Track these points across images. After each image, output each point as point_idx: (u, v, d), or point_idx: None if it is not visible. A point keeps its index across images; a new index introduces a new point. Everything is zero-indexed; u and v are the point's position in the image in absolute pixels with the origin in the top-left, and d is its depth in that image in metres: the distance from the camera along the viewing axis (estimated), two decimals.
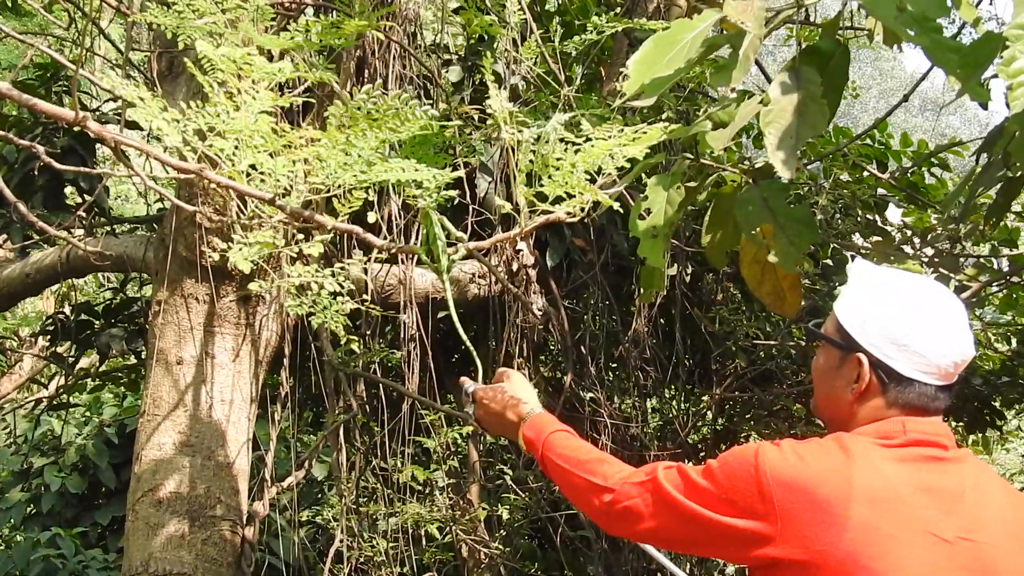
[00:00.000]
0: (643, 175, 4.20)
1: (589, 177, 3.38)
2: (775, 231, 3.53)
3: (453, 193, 3.85)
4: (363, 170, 3.66)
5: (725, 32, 3.26)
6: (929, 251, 6.43)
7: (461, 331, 4.09)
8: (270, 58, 4.01)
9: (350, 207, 3.76)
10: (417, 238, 3.83)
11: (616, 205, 3.61)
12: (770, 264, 3.60)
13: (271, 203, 3.65)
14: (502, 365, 6.92)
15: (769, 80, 3.84)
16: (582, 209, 3.54)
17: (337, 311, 4.22)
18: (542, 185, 3.62)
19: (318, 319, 4.26)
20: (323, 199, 3.80)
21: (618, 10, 7.07)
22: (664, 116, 5.77)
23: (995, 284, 6.71)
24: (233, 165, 3.64)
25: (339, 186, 3.69)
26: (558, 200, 3.64)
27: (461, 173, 3.98)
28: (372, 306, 4.63)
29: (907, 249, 6.43)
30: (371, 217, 3.85)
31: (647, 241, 3.93)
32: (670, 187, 3.92)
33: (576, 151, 3.55)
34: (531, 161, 3.66)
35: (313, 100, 5.75)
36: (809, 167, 6.36)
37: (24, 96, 3.77)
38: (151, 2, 5.34)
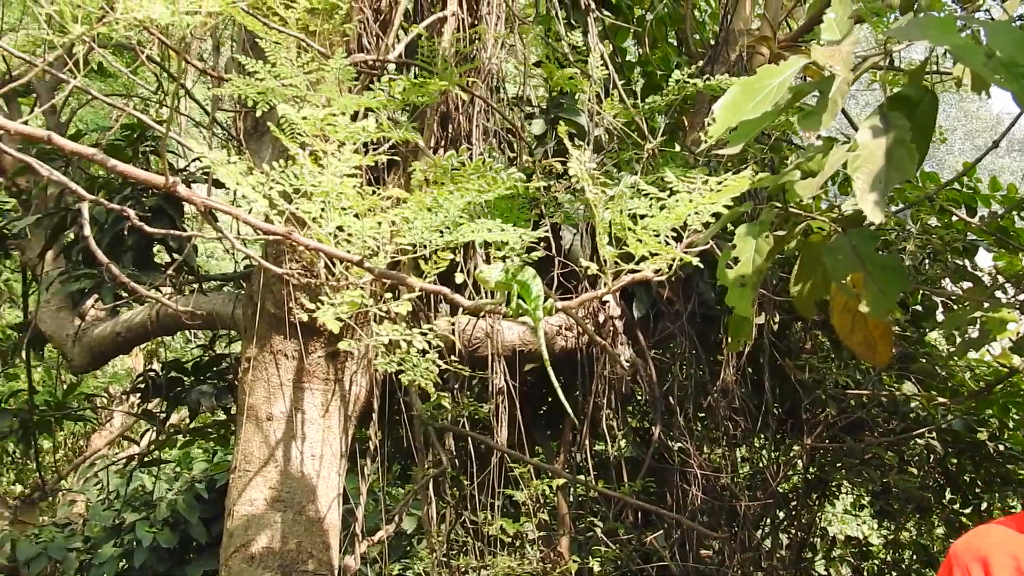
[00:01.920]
0: (730, 224, 4.17)
1: (675, 234, 3.35)
2: (865, 279, 3.49)
3: (539, 253, 3.85)
4: (450, 232, 3.66)
5: (810, 79, 3.23)
6: (1022, 296, 6.35)
7: (555, 382, 4.07)
8: (353, 117, 4.01)
9: (437, 268, 3.76)
10: (510, 296, 3.81)
11: (697, 260, 3.59)
12: (860, 313, 3.56)
13: (359, 265, 3.66)
14: (590, 416, 6.90)
15: (854, 127, 3.82)
16: (669, 266, 3.52)
17: (426, 368, 4.21)
18: (626, 244, 3.60)
19: (407, 376, 4.26)
20: (410, 259, 3.80)
21: (700, 63, 7.05)
22: (749, 164, 5.75)
23: None
24: (320, 227, 3.65)
25: (426, 247, 3.69)
26: (644, 258, 3.62)
27: (546, 230, 3.97)
28: (459, 366, 4.62)
29: (999, 295, 6.35)
30: (458, 278, 3.84)
31: (735, 290, 3.90)
32: (758, 236, 3.89)
33: (661, 207, 3.52)
34: (613, 221, 3.65)
35: (398, 158, 5.76)
36: (897, 213, 6.30)
37: (115, 162, 3.81)
38: (235, 68, 5.38)
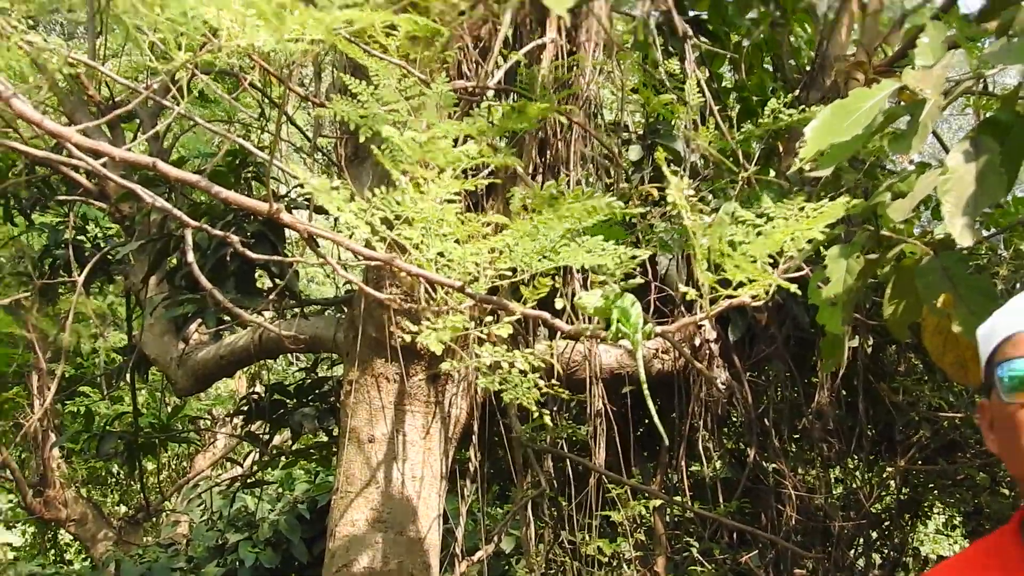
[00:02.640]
0: (822, 247, 4.20)
1: (772, 260, 3.39)
2: (956, 301, 3.50)
3: (638, 280, 3.90)
4: (549, 258, 3.71)
5: (903, 103, 3.27)
6: None
7: (651, 405, 4.11)
8: (454, 143, 4.07)
9: (537, 293, 3.81)
10: (608, 321, 3.85)
11: (794, 288, 3.63)
12: (952, 334, 3.56)
13: (460, 290, 3.71)
14: (687, 437, 6.92)
15: (947, 151, 3.84)
16: (766, 292, 3.56)
17: (528, 387, 4.26)
18: (723, 270, 3.64)
19: (509, 395, 4.31)
20: (510, 284, 3.85)
21: (796, 90, 7.06)
22: (842, 188, 5.76)
23: None
24: (421, 252, 3.71)
25: (525, 272, 3.74)
26: (741, 283, 3.66)
27: (644, 255, 4.01)
28: (559, 388, 4.66)
29: None
30: (558, 303, 3.90)
31: (826, 309, 3.93)
32: (849, 256, 3.91)
33: (757, 233, 3.56)
34: (711, 248, 3.68)
35: (497, 181, 5.81)
36: (990, 238, 6.29)
37: (218, 189, 3.89)
38: (337, 92, 5.46)
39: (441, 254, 3.72)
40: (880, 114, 3.13)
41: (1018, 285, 6.29)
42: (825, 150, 3.13)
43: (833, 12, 7.63)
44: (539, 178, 6.23)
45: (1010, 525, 2.18)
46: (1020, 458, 2.02)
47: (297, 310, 8.43)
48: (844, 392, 8.21)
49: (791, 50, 7.93)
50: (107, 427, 13.46)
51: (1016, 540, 2.12)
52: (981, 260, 6.07)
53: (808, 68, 7.64)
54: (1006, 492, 7.59)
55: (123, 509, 14.86)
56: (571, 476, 6.89)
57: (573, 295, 6.28)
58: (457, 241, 3.75)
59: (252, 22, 3.66)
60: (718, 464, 6.96)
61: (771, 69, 7.84)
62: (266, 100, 8.85)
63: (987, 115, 3.15)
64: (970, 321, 3.49)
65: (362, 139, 4.49)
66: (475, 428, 6.67)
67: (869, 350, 8.04)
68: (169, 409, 13.98)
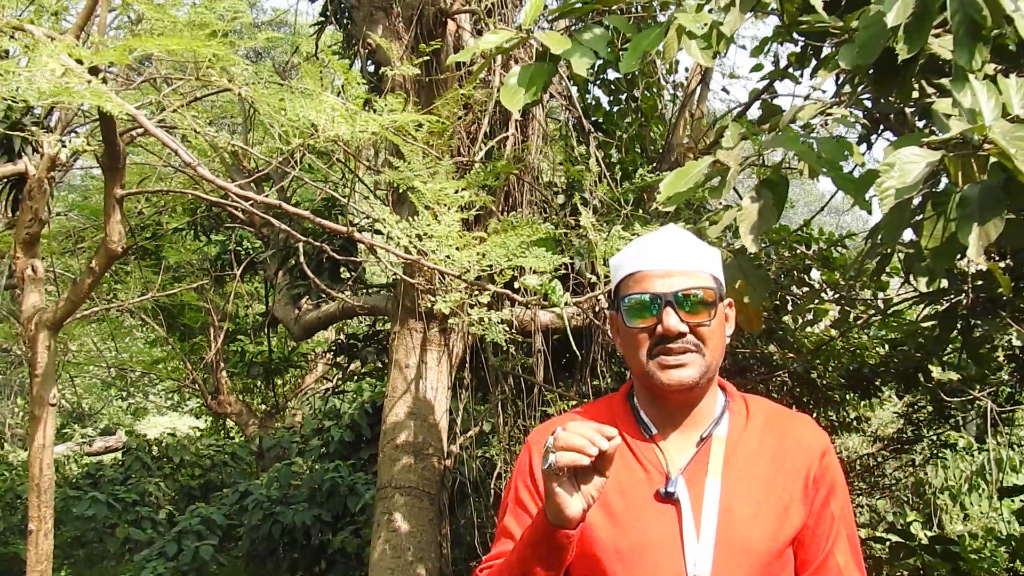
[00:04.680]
0: None
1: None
2: (747, 284, 3.49)
3: (562, 272, 3.88)
4: (511, 259, 3.70)
5: (717, 169, 3.25)
6: (837, 296, 6.36)
7: (571, 340, 4.11)
8: (455, 191, 4.07)
9: (503, 280, 3.80)
10: (543, 296, 3.85)
11: None
12: (743, 303, 3.55)
13: (459, 278, 3.70)
14: (590, 366, 6.90)
15: (741, 197, 3.84)
16: None
17: (499, 333, 4.24)
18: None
19: (489, 336, 4.29)
20: (488, 274, 3.84)
21: (654, 164, 7.07)
22: (681, 219, 5.77)
23: (875, 315, 6.62)
24: (436, 255, 3.70)
25: (497, 267, 3.74)
26: None
27: (566, 259, 4.00)
28: (516, 335, 4.66)
29: (824, 295, 6.36)
30: (516, 285, 3.88)
31: None
32: None
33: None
34: (606, 251, 3.68)
35: (481, 213, 5.80)
36: (766, 248, 6.30)
37: (318, 219, 3.87)
38: (387, 165, 5.43)
39: (448, 256, 3.71)
40: (703, 176, 3.11)
41: (783, 276, 6.30)
42: (671, 196, 3.11)
43: (674, 118, 7.64)
44: (505, 213, 6.21)
45: (620, 392, 2.15)
46: (637, 363, 1.99)
47: (364, 291, 8.41)
48: None
49: (651, 140, 7.93)
50: (253, 359, 13.46)
51: (623, 401, 2.10)
52: (760, 261, 6.09)
53: (661, 151, 7.64)
54: (775, 396, 7.62)
55: (263, 407, 14.82)
56: (523, 388, 6.87)
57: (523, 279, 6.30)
58: (457, 249, 3.74)
59: (337, 120, 3.64)
60: (609, 380, 6.92)
61: (640, 151, 7.83)
62: (346, 168, 8.84)
63: (764, 177, 3.13)
64: (754, 295, 3.49)
65: (401, 190, 4.47)
66: (467, 359, 6.66)
67: None
68: (290, 349, 13.99)
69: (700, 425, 2.03)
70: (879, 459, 9.70)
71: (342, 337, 10.81)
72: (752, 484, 1.96)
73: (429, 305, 4.19)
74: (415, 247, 3.77)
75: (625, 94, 8.03)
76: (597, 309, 6.62)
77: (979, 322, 5.13)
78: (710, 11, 3.20)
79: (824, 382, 7.30)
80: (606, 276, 3.84)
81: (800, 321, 6.90)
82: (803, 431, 2.05)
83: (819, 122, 3.47)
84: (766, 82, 6.15)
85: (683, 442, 2.01)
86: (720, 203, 5.78)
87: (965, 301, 4.80)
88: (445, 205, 3.94)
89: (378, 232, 6.50)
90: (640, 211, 6.24)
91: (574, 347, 4.53)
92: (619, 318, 2.03)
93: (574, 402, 6.76)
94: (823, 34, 3.28)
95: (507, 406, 6.99)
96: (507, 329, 4.36)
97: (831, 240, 6.73)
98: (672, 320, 1.94)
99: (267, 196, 4.04)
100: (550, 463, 1.78)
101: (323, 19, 8.66)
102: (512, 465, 7.15)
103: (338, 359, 10.41)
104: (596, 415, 2.05)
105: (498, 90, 5.56)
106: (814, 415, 7.47)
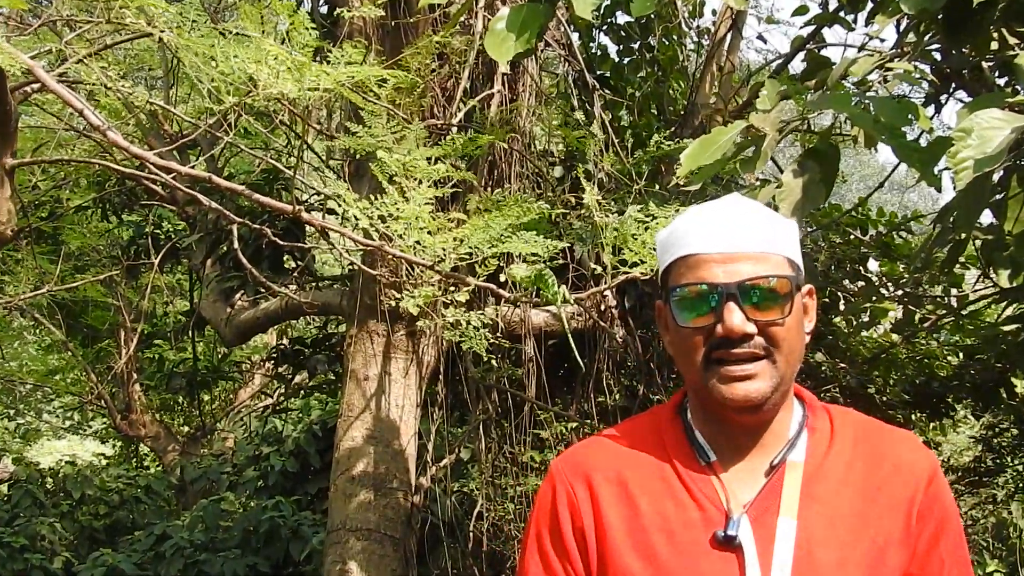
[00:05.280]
0: None
1: (655, 247, 3.42)
2: None
3: (559, 261, 3.92)
4: (496, 245, 3.72)
5: (750, 137, 3.27)
6: (899, 292, 6.39)
7: (572, 345, 4.13)
8: (428, 163, 4.09)
9: (487, 271, 3.82)
10: (535, 291, 3.87)
11: None
12: None
13: (431, 268, 3.73)
14: (594, 377, 6.93)
15: (782, 171, 3.85)
16: (651, 270, 3.58)
17: (480, 339, 4.26)
18: (623, 253, 3.66)
19: (466, 344, 4.30)
20: (467, 264, 3.87)
21: (673, 128, 7.10)
22: (707, 197, 5.79)
23: (947, 316, 6.65)
24: (403, 241, 3.72)
25: (478, 256, 3.76)
26: (635, 264, 3.69)
27: (564, 245, 4.03)
28: (501, 340, 4.66)
29: (883, 291, 6.40)
30: (502, 277, 3.90)
31: None
32: None
33: (646, 228, 3.59)
34: (615, 236, 3.71)
35: (459, 189, 5.81)
36: (812, 233, 6.33)
37: (257, 196, 3.89)
38: (343, 130, 5.45)
39: (418, 242, 3.74)
40: (733, 145, 3.13)
41: (833, 268, 6.34)
42: (695, 171, 3.13)
43: (699, 72, 7.67)
44: (489, 189, 6.23)
45: (669, 405, 2.07)
46: (690, 371, 1.91)
47: (313, 284, 8.42)
48: None
49: (669, 99, 7.95)
50: (174, 369, 13.43)
51: (672, 417, 2.01)
52: (807, 249, 6.12)
53: (682, 113, 7.67)
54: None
55: (186, 429, 14.80)
56: (511, 405, 6.90)
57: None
58: (429, 232, 3.77)
59: (282, 74, 3.66)
60: (617, 396, 6.96)
61: (656, 113, 7.86)
62: (292, 133, 8.84)
63: (809, 146, 3.16)
64: None
65: (357, 156, 4.50)
66: (441, 370, 6.68)
67: None
68: (220, 356, 13.97)
69: (771, 449, 1.95)
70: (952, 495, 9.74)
71: (285, 342, 10.82)
72: (838, 523, 1.88)
73: (394, 303, 4.20)
74: (377, 230, 3.79)
75: (638, 43, 8.06)
76: (603, 308, 6.67)
77: None
78: None
79: (884, 399, 7.34)
80: (614, 267, 3.87)
81: (854, 323, 6.96)
82: (904, 452, 1.96)
83: (877, 78, 3.51)
84: (812, 28, 6.18)
85: (749, 471, 1.93)
86: (755, 178, 5.81)
87: None
88: (415, 179, 3.96)
89: (331, 212, 6.50)
90: (656, 187, 6.27)
91: (575, 355, 4.54)
92: (667, 311, 1.96)
93: (574, 424, 6.80)
94: None
95: (491, 428, 7.02)
96: (491, 333, 4.38)
97: (892, 223, 6.79)
98: (736, 318, 1.85)
99: (193, 167, 4.06)
100: None
101: None
102: (496, 502, 7.20)
103: (280, 369, 10.40)
104: (638, 436, 2.01)
105: (482, 37, 5.57)
106: None
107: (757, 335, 1.86)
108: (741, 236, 1.90)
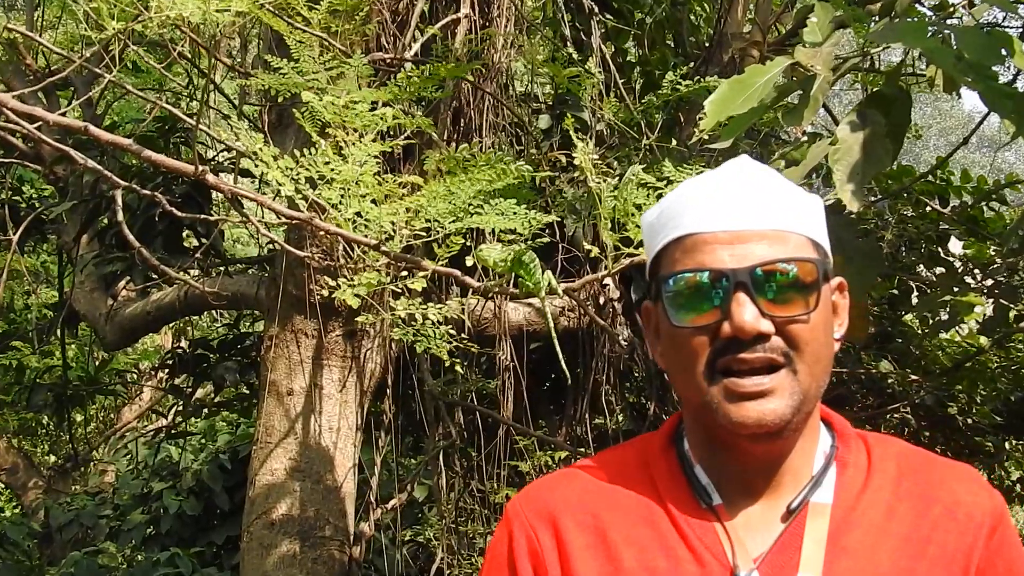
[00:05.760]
0: None
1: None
2: (844, 263, 3.50)
3: (544, 239, 3.91)
4: (461, 218, 3.72)
5: (796, 78, 3.29)
6: (989, 282, 6.41)
7: (560, 355, 4.12)
8: (372, 107, 4.08)
9: (449, 251, 3.82)
10: (512, 277, 3.85)
11: None
12: None
13: (376, 248, 3.73)
14: (590, 392, 6.95)
15: (836, 123, 3.88)
16: None
17: (440, 339, 4.26)
18: (627, 230, 3.66)
19: (422, 346, 4.28)
20: (424, 243, 3.86)
21: (695, 64, 7.11)
22: (740, 153, 5.80)
23: None
24: (339, 212, 3.72)
25: (439, 232, 3.76)
26: (642, 243, 3.68)
27: (551, 218, 4.03)
28: (469, 343, 4.63)
29: (969, 280, 6.42)
30: (469, 261, 3.90)
31: None
32: None
33: (658, 196, 3.59)
34: (617, 207, 3.71)
35: (414, 143, 5.79)
36: (876, 204, 6.35)
37: (147, 152, 3.88)
38: (261, 65, 5.44)
39: (359, 214, 3.73)
40: (774, 88, 3.13)
41: (903, 249, 6.36)
42: (723, 122, 3.14)
43: None
44: (453, 145, 6.23)
45: (661, 432, 2.06)
46: (689, 387, 1.87)
47: (221, 268, 8.42)
48: None
49: (691, 27, 7.98)
50: (37, 380, 13.36)
51: (665, 447, 1.98)
52: (868, 225, 6.12)
53: (707, 45, 7.68)
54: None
55: (52, 459, 14.77)
56: (480, 428, 6.91)
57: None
58: (374, 201, 3.76)
59: None
60: (620, 417, 6.98)
61: (672, 45, 7.88)
62: (194, 70, 8.82)
63: (873, 89, 3.18)
64: (856, 282, 3.52)
65: (280, 100, 4.48)
66: (389, 382, 6.69)
67: None
68: (97, 363, 13.92)
69: (789, 488, 1.94)
70: None
71: (184, 345, 10.78)
72: None
73: (327, 293, 4.19)
74: (305, 198, 3.78)
75: None
76: (602, 301, 6.68)
77: None
78: None
79: (969, 421, 7.37)
80: (616, 248, 3.87)
81: (930, 322, 6.98)
82: (961, 492, 1.93)
83: (961, 2, 3.53)
84: None
85: (761, 516, 1.92)
86: (802, 132, 5.80)
87: None
88: (355, 130, 3.95)
89: (245, 174, 6.51)
90: (673, 142, 6.28)
91: (560, 357, 4.52)
92: (659, 311, 1.96)
93: (563, 453, 6.82)
94: None
95: (453, 459, 7.04)
96: (454, 333, 4.38)
97: (981, 191, 6.80)
98: (747, 313, 1.82)
99: (64, 114, 4.04)
100: None
101: None
102: (460, 554, 7.21)
103: (177, 380, 10.38)
104: (621, 469, 2.00)
105: None
106: None
107: (774, 335, 1.84)
108: (752, 210, 1.88)
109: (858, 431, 2.03)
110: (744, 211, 1.87)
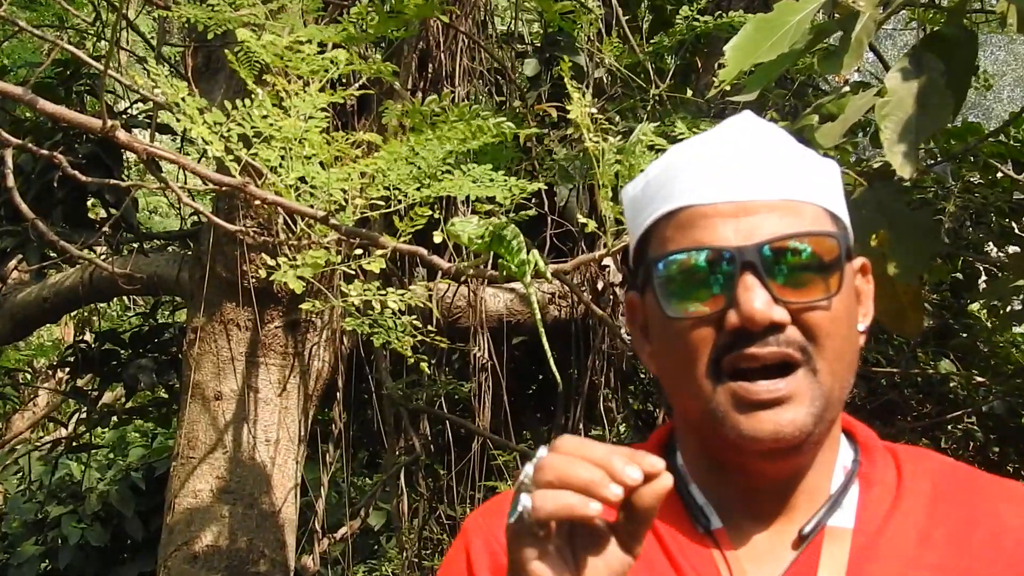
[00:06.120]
0: None
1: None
2: (892, 240, 3.48)
3: (531, 211, 3.92)
4: (428, 185, 3.71)
5: (837, 16, 3.29)
6: None
7: (548, 352, 4.11)
8: (320, 50, 4.07)
9: (413, 225, 3.81)
10: (491, 257, 3.84)
11: None
12: (887, 277, 3.51)
13: (323, 222, 3.73)
14: (586, 397, 6.97)
15: (887, 69, 3.86)
16: None
17: (402, 332, 4.25)
18: None
19: (380, 339, 4.28)
20: (382, 215, 3.87)
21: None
22: (768, 113, 5.81)
23: None
24: (279, 177, 3.72)
25: (400, 202, 3.76)
26: None
27: (539, 185, 4.03)
28: (439, 338, 4.62)
29: None
30: (437, 237, 3.91)
31: None
32: None
33: None
34: (619, 172, 3.72)
35: (371, 94, 5.79)
36: (935, 168, 6.35)
37: (45, 103, 3.88)
38: None
39: (303, 179, 3.73)
40: (809, 29, 3.13)
41: (967, 224, 6.38)
42: (749, 70, 3.14)
43: None
44: (419, 95, 6.24)
45: (650, 444, 2.08)
46: (687, 392, 1.86)
47: (135, 245, 8.41)
48: None
49: None
50: None
51: (654, 453, 1.89)
52: (925, 194, 6.11)
53: None
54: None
55: None
56: (451, 440, 6.93)
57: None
58: (322, 164, 3.77)
59: None
60: (623, 427, 7.02)
61: None
62: (103, 2, 8.82)
63: (931, 29, 3.19)
64: (908, 263, 3.49)
65: (211, 36, 4.48)
66: (340, 384, 6.70)
67: None
68: None
69: (803, 509, 1.92)
70: None
71: (89, 338, 10.79)
72: None
73: (264, 275, 4.19)
74: (238, 160, 3.79)
75: None
76: (600, 286, 6.70)
77: None
78: None
79: None
80: (618, 219, 3.89)
81: (1001, 313, 7.01)
82: (1008, 515, 1.92)
83: None
84: None
85: (768, 542, 1.91)
86: (844, 81, 5.81)
87: None
88: (299, 77, 3.96)
89: (164, 130, 6.53)
90: (688, 92, 6.30)
91: (548, 354, 4.53)
92: (648, 304, 1.94)
93: None
94: None
95: (417, 478, 7.06)
96: (419, 325, 4.40)
97: None
98: (757, 299, 1.78)
99: None
100: (520, 511, 1.63)
101: None
102: None
103: (80, 382, 10.38)
104: None
105: None
106: None
107: (790, 325, 1.81)
108: (759, 177, 1.86)
109: (886, 443, 2.02)
110: (749, 178, 1.84)
